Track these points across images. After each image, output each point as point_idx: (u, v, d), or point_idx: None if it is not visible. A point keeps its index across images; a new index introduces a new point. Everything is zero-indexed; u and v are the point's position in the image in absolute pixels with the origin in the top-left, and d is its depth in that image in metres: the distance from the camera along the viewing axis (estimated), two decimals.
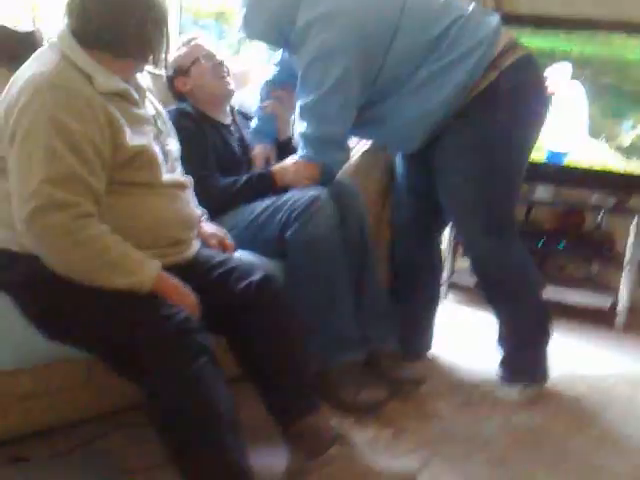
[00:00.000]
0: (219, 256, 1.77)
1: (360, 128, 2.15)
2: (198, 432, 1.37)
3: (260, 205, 2.14)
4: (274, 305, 1.69)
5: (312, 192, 2.06)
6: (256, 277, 1.66)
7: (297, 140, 2.17)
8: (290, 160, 2.17)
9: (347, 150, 2.17)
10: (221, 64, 2.29)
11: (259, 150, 2.32)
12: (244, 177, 2.21)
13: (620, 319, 3.00)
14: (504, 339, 2.24)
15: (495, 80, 1.99)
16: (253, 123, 2.39)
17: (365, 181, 2.37)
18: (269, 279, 1.69)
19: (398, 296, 2.44)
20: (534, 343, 2.22)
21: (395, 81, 2.03)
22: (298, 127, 2.11)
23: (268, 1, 2.05)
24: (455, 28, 2.00)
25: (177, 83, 2.33)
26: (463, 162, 2.07)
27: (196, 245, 1.76)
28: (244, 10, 2.09)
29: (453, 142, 2.07)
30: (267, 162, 2.31)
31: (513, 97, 2.03)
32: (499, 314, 2.24)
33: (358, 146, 2.46)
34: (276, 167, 2.21)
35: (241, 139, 2.37)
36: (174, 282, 1.53)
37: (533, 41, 3.00)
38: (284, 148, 2.37)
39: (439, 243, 2.54)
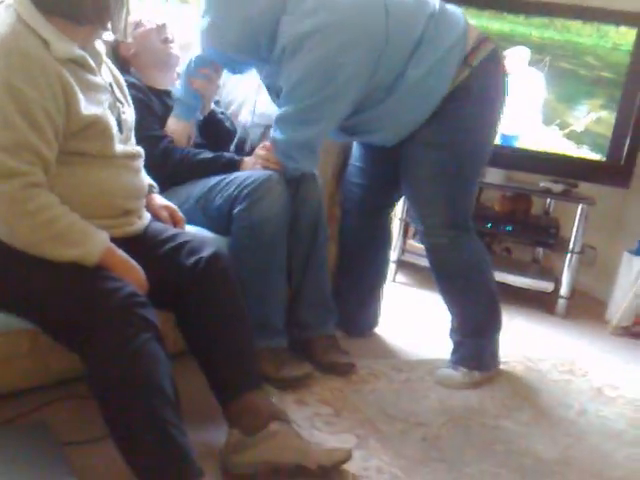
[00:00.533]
0: (169, 230, 1.77)
1: (341, 132, 2.16)
2: (137, 406, 1.38)
3: (213, 179, 2.13)
4: (221, 282, 1.70)
5: (266, 172, 2.05)
6: (206, 253, 1.67)
7: (273, 145, 2.09)
8: (260, 151, 2.14)
9: (318, 153, 2.14)
10: (164, 26, 2.26)
11: (181, 127, 2.23)
12: (210, 154, 2.20)
13: (561, 304, 3.07)
14: (455, 329, 2.28)
15: (466, 78, 2.02)
16: (178, 91, 2.28)
17: (322, 163, 2.35)
18: (218, 256, 1.69)
19: (344, 272, 2.49)
20: (485, 331, 2.26)
21: (382, 89, 2.02)
22: (275, 132, 2.06)
23: (245, 9, 1.97)
24: (431, 28, 1.99)
25: (121, 48, 2.29)
26: (432, 157, 2.10)
27: (146, 217, 1.76)
28: (213, 19, 2.00)
29: (424, 137, 2.08)
30: (188, 140, 2.25)
31: (482, 96, 2.08)
32: (451, 303, 2.27)
33: None
34: (246, 159, 2.18)
35: None
36: (122, 256, 1.53)
37: (492, 24, 3.03)
38: (207, 123, 2.35)
39: (389, 220, 2.56)
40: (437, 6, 2.05)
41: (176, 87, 2.27)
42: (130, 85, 2.16)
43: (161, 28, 2.25)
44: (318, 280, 2.24)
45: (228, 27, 1.99)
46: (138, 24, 2.25)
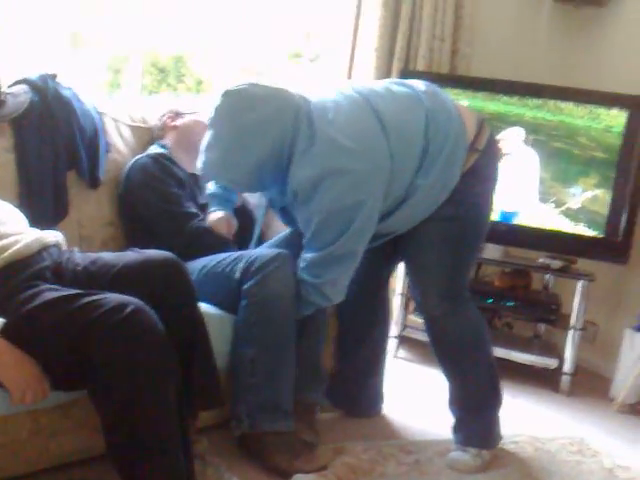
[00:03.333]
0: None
1: None
2: (144, 423, 1.47)
3: (221, 255, 2.14)
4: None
5: (275, 249, 2.09)
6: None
7: (306, 288, 2.06)
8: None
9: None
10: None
11: (223, 219, 2.29)
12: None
13: (565, 381, 3.03)
14: (455, 402, 2.24)
15: (475, 162, 2.07)
16: (211, 186, 2.35)
17: None
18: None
19: (343, 348, 2.46)
20: (486, 406, 2.22)
21: (395, 200, 2.04)
22: (308, 277, 2.03)
23: (255, 147, 1.94)
24: (431, 133, 2.01)
25: (168, 117, 2.45)
26: (437, 228, 2.10)
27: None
28: (223, 154, 1.97)
29: (433, 214, 2.08)
30: (229, 229, 2.29)
31: (488, 174, 2.14)
32: (450, 376, 2.24)
33: None
34: None
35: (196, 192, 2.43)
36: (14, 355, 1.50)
37: (487, 105, 3.09)
38: (238, 213, 2.39)
39: (387, 293, 2.55)
40: (427, 102, 2.06)
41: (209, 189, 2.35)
42: (165, 157, 2.32)
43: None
44: (312, 341, 2.20)
45: (239, 163, 1.97)
46: (194, 115, 2.46)
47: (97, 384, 1.48)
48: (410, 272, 2.25)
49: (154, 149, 2.42)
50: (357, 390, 2.48)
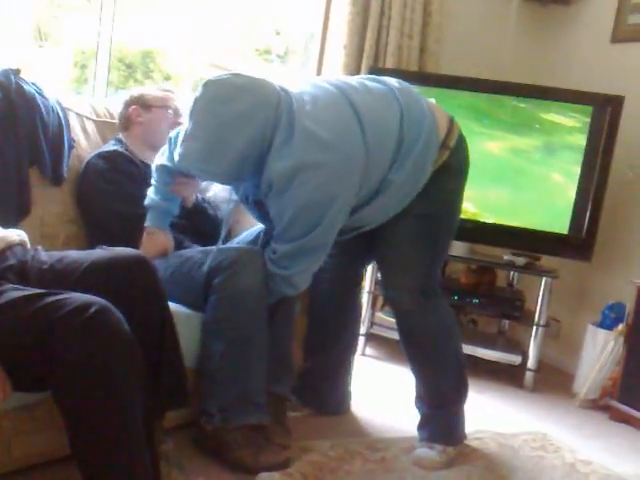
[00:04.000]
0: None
1: None
2: (108, 420, 1.46)
3: (188, 251, 2.14)
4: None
5: (245, 245, 2.08)
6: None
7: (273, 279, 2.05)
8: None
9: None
10: (177, 124, 2.34)
11: (156, 241, 2.21)
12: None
13: (529, 377, 3.08)
14: (422, 399, 2.26)
15: (447, 160, 2.08)
16: (152, 193, 2.24)
17: None
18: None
19: (313, 345, 2.47)
20: (453, 402, 2.24)
21: (368, 194, 2.04)
22: (278, 270, 2.03)
23: (236, 139, 1.91)
24: (405, 131, 2.02)
25: (132, 111, 2.38)
26: (410, 225, 2.11)
27: None
28: (203, 146, 1.93)
29: (406, 210, 2.08)
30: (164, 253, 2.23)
31: (459, 170, 2.16)
32: (419, 372, 2.25)
33: None
34: None
35: None
36: None
37: (455, 102, 3.11)
38: (190, 212, 2.37)
39: (359, 292, 2.56)
40: (402, 98, 2.07)
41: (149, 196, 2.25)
42: (123, 156, 2.29)
43: (174, 125, 2.34)
44: (281, 334, 2.19)
45: (220, 158, 1.94)
46: (164, 107, 2.39)
47: (60, 384, 1.47)
48: (382, 268, 2.26)
49: (108, 147, 2.38)
50: (326, 389, 2.50)
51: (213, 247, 2.09)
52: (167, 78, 3.42)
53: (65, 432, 1.49)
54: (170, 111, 2.41)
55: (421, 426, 2.27)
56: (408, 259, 2.15)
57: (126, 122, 2.43)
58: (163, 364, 1.76)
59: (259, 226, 2.31)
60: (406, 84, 2.15)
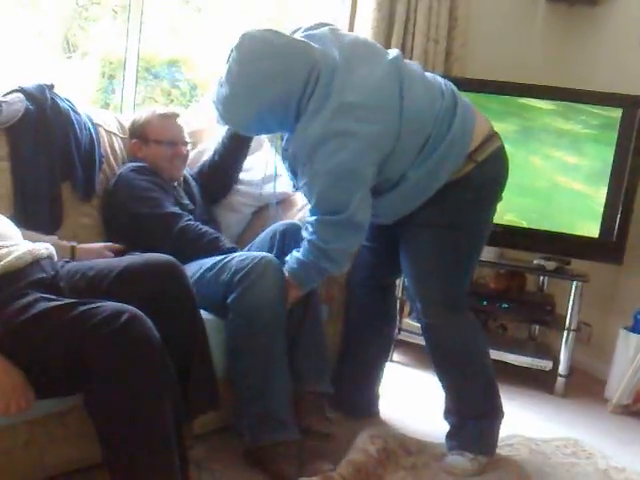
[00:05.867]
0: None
1: None
2: (140, 430, 1.48)
3: (207, 261, 2.12)
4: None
5: (258, 254, 2.04)
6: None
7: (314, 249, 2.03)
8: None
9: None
10: (180, 155, 2.36)
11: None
12: (214, 235, 2.24)
13: (560, 383, 3.04)
14: (451, 411, 2.24)
15: (470, 172, 2.05)
16: None
17: None
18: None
19: (348, 352, 2.47)
20: (482, 416, 2.21)
21: (387, 185, 2.04)
22: (323, 242, 2.00)
23: (259, 97, 1.91)
24: (436, 131, 2.00)
25: (133, 145, 2.39)
26: (429, 236, 2.10)
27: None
28: (229, 95, 1.94)
29: (421, 219, 2.09)
30: None
31: (483, 186, 2.11)
32: (448, 384, 2.23)
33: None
34: None
35: (191, 197, 2.43)
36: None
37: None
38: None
39: (395, 299, 2.59)
40: (447, 98, 2.05)
41: None
42: (143, 168, 2.30)
43: (175, 157, 2.35)
44: (316, 332, 2.20)
45: (238, 113, 1.98)
46: (159, 142, 2.35)
47: (92, 392, 1.49)
48: (408, 279, 2.24)
49: (137, 163, 2.38)
50: (357, 392, 2.49)
51: (230, 256, 2.09)
52: (193, 88, 3.45)
53: (96, 438, 1.51)
54: (165, 146, 2.36)
55: (451, 435, 2.24)
56: (430, 271, 2.14)
57: (131, 153, 2.44)
58: (193, 369, 1.77)
59: (275, 225, 2.31)
60: (452, 86, 2.13)
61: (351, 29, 3.27)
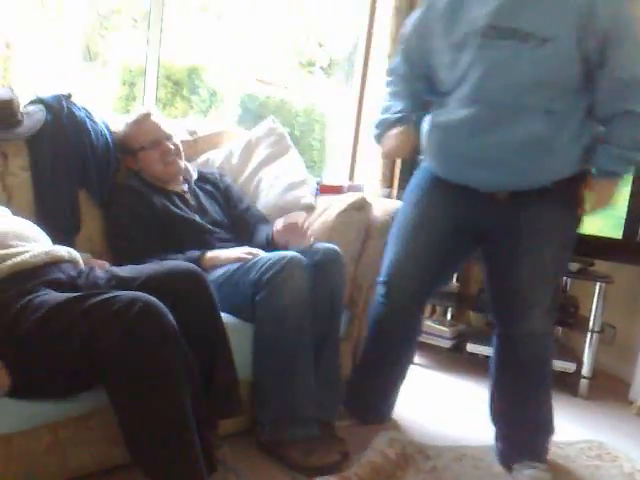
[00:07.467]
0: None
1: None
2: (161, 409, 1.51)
3: (234, 264, 2.13)
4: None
5: (286, 254, 2.04)
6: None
7: None
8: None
9: None
10: (167, 151, 2.32)
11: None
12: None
13: (584, 385, 3.02)
14: (526, 427, 2.13)
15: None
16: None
17: (340, 243, 2.33)
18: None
19: (368, 365, 2.36)
20: (550, 426, 2.15)
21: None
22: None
23: None
24: None
25: (125, 161, 2.39)
26: (553, 236, 1.95)
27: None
28: None
29: (548, 215, 1.95)
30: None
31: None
32: (527, 399, 2.11)
33: (332, 207, 2.48)
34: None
35: (199, 206, 2.39)
36: None
37: None
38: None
39: (422, 317, 2.40)
40: None
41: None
42: (130, 188, 2.29)
43: (164, 154, 2.32)
44: (333, 361, 2.20)
45: None
46: (141, 149, 2.32)
47: (111, 378, 1.52)
48: (518, 282, 1.98)
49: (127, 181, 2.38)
50: (375, 402, 2.44)
51: (257, 258, 2.10)
52: (213, 94, 3.48)
53: (118, 441, 1.53)
54: (149, 150, 2.32)
55: (519, 449, 2.14)
56: (553, 272, 1.97)
57: (127, 169, 2.42)
58: (216, 375, 1.79)
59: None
60: None
61: (369, 35, 3.28)
